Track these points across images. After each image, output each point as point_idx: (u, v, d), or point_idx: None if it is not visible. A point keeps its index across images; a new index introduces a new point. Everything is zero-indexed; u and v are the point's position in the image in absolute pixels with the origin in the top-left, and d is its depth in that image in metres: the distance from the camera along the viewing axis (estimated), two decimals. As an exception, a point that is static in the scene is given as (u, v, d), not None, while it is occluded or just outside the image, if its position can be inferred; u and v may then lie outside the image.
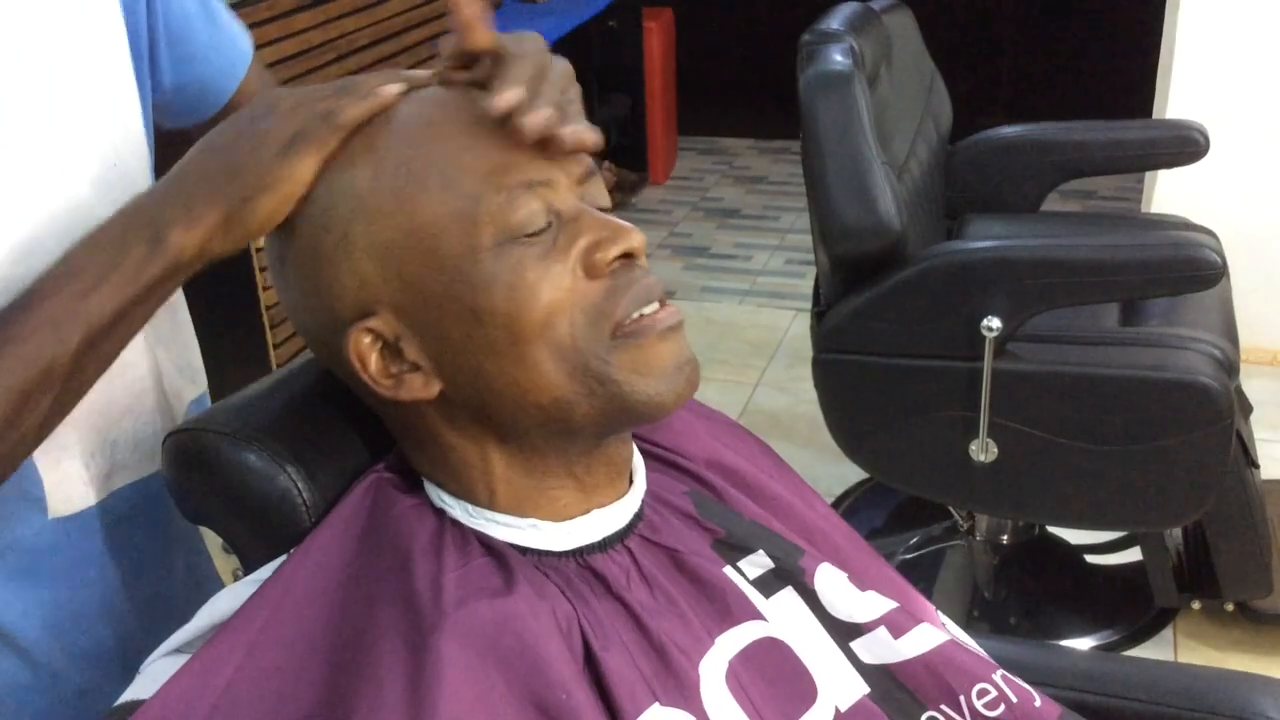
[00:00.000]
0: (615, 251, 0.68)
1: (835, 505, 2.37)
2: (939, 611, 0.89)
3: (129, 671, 0.75)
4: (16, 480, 0.76)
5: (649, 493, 0.78)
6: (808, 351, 1.95)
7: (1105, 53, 4.12)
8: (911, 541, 2.23)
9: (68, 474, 0.83)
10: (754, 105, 4.56)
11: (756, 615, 0.74)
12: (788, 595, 0.77)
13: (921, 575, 2.16)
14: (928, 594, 2.21)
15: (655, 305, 0.70)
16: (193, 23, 0.91)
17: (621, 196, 3.93)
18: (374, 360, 0.69)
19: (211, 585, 1.01)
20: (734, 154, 4.56)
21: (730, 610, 0.74)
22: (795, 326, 3.15)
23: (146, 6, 0.88)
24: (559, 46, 3.33)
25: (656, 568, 0.73)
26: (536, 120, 0.66)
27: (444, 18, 2.84)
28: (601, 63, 3.74)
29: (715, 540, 0.77)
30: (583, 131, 0.68)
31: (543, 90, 0.68)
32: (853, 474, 2.31)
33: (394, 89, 0.70)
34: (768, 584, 0.77)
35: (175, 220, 0.68)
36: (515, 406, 0.69)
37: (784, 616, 0.76)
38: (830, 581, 0.79)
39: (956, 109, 2.36)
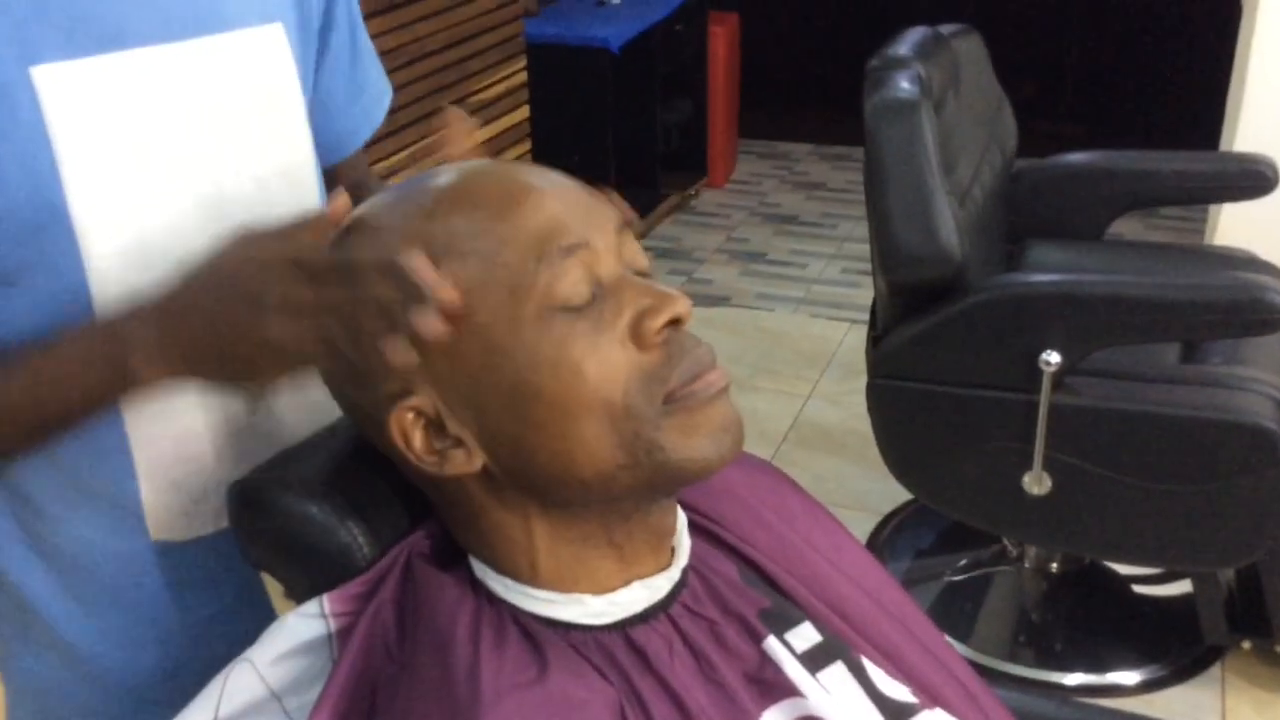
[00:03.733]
0: (662, 320, 0.68)
1: (883, 524, 2.38)
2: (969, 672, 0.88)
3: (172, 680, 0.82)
4: (118, 497, 0.83)
5: (693, 556, 0.77)
6: (861, 365, 1.96)
7: (1171, 80, 4.07)
8: (960, 564, 2.23)
9: (170, 504, 0.86)
10: (816, 111, 4.55)
11: (795, 692, 0.73)
12: (838, 670, 0.76)
13: (969, 598, 2.16)
14: (973, 618, 2.20)
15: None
16: (337, 84, 0.98)
17: (680, 199, 3.94)
18: (418, 438, 0.69)
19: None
20: (794, 159, 4.55)
21: (773, 686, 0.72)
22: (849, 339, 3.15)
23: (317, 62, 0.94)
24: (625, 49, 3.36)
25: (701, 637, 0.73)
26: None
27: (516, 22, 2.87)
28: (666, 65, 3.75)
29: (761, 610, 0.76)
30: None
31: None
32: (902, 492, 2.30)
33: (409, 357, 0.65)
34: (816, 659, 0.75)
35: (150, 364, 0.71)
36: (557, 478, 0.68)
37: (834, 693, 0.74)
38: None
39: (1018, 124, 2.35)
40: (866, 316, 2.04)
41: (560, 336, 0.66)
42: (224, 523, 0.88)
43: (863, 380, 1.92)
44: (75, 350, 0.73)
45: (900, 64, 1.83)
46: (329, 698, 0.68)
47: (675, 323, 0.69)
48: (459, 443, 0.69)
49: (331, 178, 1.03)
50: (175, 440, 0.85)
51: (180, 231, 0.82)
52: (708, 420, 0.69)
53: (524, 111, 3.03)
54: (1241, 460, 1.66)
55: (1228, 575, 1.98)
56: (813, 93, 4.55)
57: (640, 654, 0.70)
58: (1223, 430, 1.66)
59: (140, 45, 0.78)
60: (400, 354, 0.64)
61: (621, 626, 0.72)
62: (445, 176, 0.72)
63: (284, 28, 0.89)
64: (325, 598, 0.73)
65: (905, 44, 1.91)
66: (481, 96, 2.79)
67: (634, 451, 0.67)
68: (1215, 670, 1.97)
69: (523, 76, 2.99)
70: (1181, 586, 2.11)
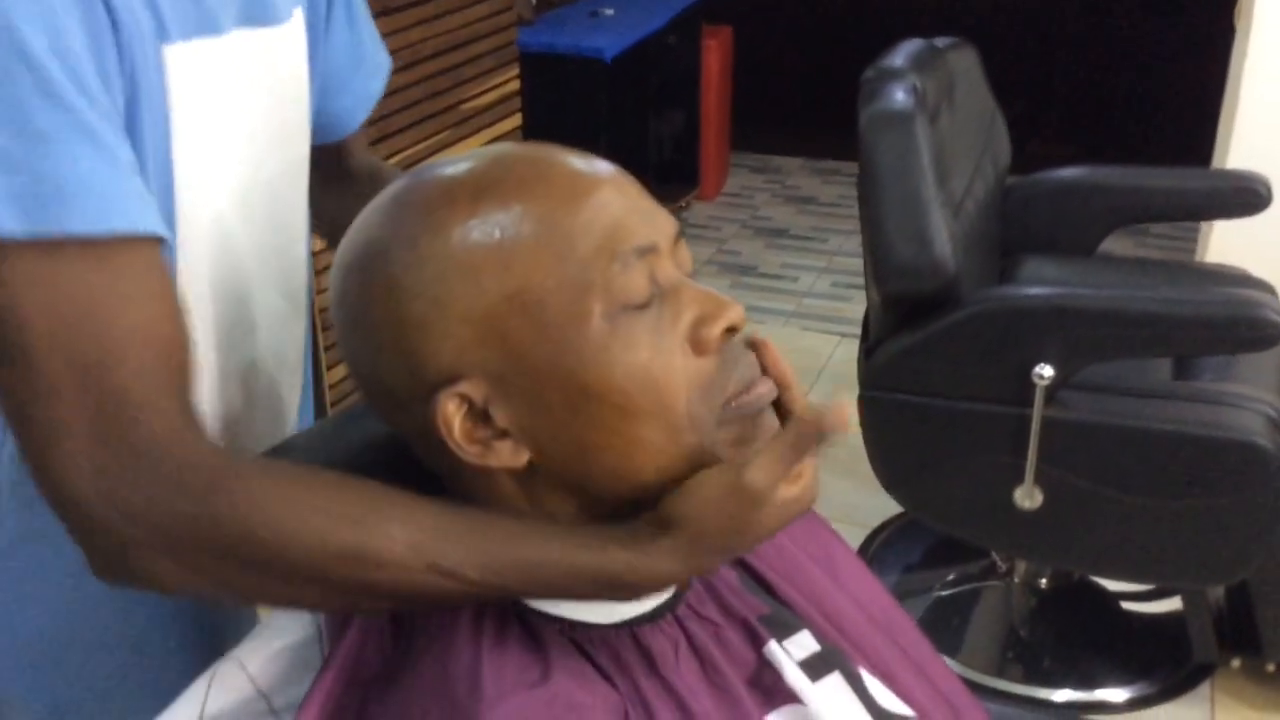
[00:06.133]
0: (721, 327, 0.67)
1: (872, 537, 2.37)
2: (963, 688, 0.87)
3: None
4: None
5: None
6: (851, 378, 1.95)
7: (1164, 98, 4.09)
8: (948, 578, 2.22)
9: None
10: (808, 124, 4.56)
11: (793, 699, 0.72)
12: (835, 680, 0.75)
13: (957, 613, 2.15)
14: (962, 633, 2.19)
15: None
16: (341, 59, 0.98)
17: (672, 211, 3.94)
18: (459, 425, 0.66)
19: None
20: (785, 173, 4.56)
21: (774, 691, 0.72)
22: (839, 352, 3.14)
23: (324, 39, 0.95)
24: (618, 60, 3.36)
25: (706, 639, 0.72)
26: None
27: (509, 30, 2.86)
28: (659, 77, 3.75)
29: (761, 616, 0.76)
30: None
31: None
32: (890, 505, 2.29)
33: None
34: (815, 667, 0.75)
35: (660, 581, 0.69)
36: (612, 479, 0.67)
37: (831, 702, 0.73)
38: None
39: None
40: (857, 330, 2.03)
41: (628, 336, 0.65)
42: None
43: (852, 394, 1.91)
44: (577, 585, 0.67)
45: (895, 75, 1.83)
46: (316, 696, 0.67)
47: (731, 330, 0.68)
48: (504, 434, 0.66)
49: (340, 160, 1.03)
50: None
51: (227, 216, 0.83)
52: (761, 431, 0.68)
53: (516, 120, 3.02)
54: (1233, 477, 1.65)
55: (1218, 593, 1.97)
56: (805, 106, 4.56)
57: (646, 655, 0.69)
58: (1215, 446, 1.66)
59: (227, 32, 0.79)
60: None
61: (629, 625, 0.70)
62: (510, 159, 0.69)
63: (301, 11, 0.89)
64: None
65: (900, 56, 1.91)
66: (474, 104, 2.78)
67: (693, 458, 0.66)
68: (1204, 688, 1.96)
69: (515, 85, 2.98)
70: (1171, 604, 2.10)
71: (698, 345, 0.67)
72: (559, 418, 0.66)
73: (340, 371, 2.31)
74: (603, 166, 0.70)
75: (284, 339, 0.95)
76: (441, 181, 0.69)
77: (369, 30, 1.02)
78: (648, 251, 0.67)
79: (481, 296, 0.65)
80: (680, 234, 0.71)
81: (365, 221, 0.71)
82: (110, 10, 0.68)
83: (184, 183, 0.76)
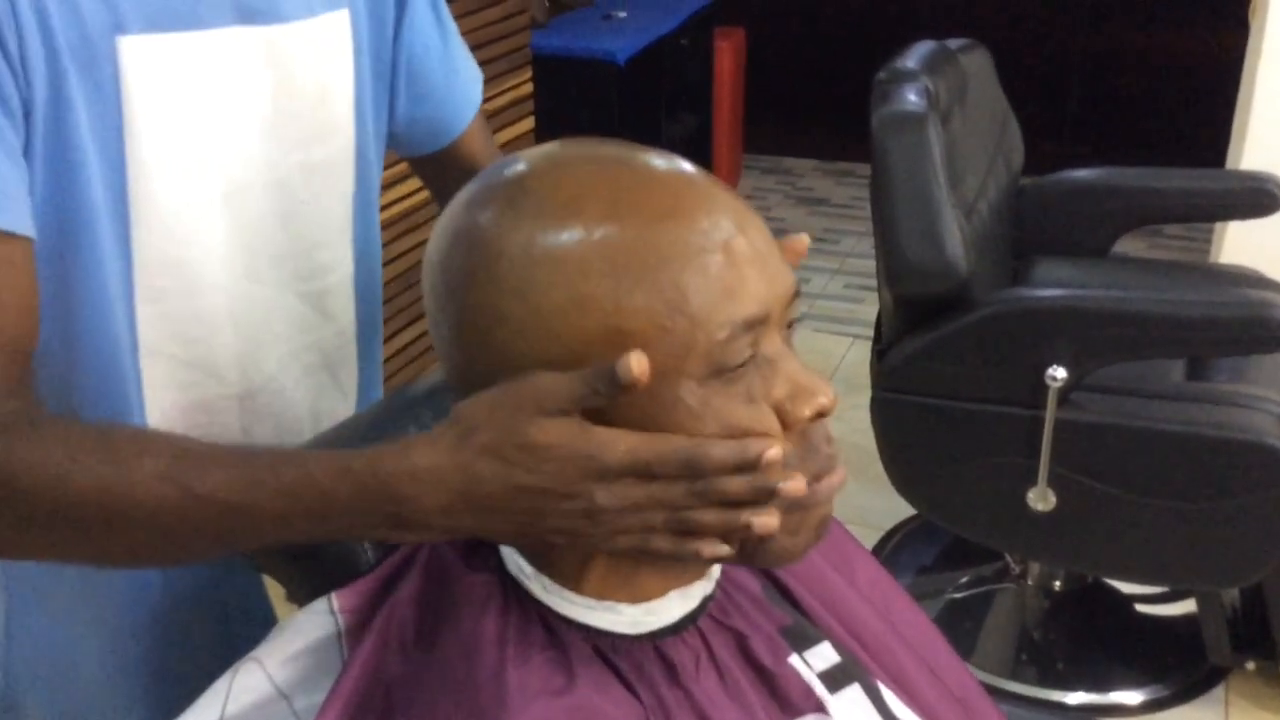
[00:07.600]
0: (811, 411, 0.65)
1: (885, 540, 2.36)
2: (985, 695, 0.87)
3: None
4: None
5: (721, 569, 0.76)
6: (863, 380, 1.95)
7: (1177, 99, 4.07)
8: (961, 581, 2.22)
9: None
10: (820, 126, 4.56)
11: (819, 708, 0.72)
12: (854, 693, 0.74)
13: (970, 616, 2.15)
14: (975, 635, 2.19)
15: None
16: (431, 64, 0.97)
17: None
18: None
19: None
20: (797, 174, 4.56)
21: (792, 701, 0.72)
22: (851, 354, 3.14)
23: (393, 43, 0.94)
24: (631, 62, 3.37)
25: (726, 652, 0.72)
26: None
27: (523, 33, 2.87)
28: (672, 80, 3.75)
29: (782, 627, 0.75)
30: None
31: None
32: (904, 508, 2.29)
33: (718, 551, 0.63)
34: (835, 679, 0.74)
35: (434, 538, 0.67)
36: None
37: (850, 714, 0.73)
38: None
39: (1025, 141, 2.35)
40: (869, 332, 2.03)
41: (724, 400, 0.63)
42: None
43: (864, 396, 1.91)
44: (339, 491, 0.64)
45: (908, 77, 1.83)
46: (338, 697, 0.67)
47: (820, 415, 0.66)
48: None
49: (466, 164, 1.03)
50: (185, 410, 0.86)
51: (222, 213, 0.83)
52: (815, 520, 0.67)
53: (529, 123, 3.03)
54: (1247, 478, 1.65)
55: (1232, 595, 1.96)
56: (817, 108, 4.56)
57: (670, 667, 0.69)
58: (1228, 448, 1.65)
59: (213, 28, 0.80)
60: (721, 551, 0.63)
61: (652, 638, 0.70)
62: (647, 185, 0.64)
63: (350, 14, 0.89)
64: (334, 595, 0.72)
65: (913, 57, 1.91)
66: (487, 107, 2.77)
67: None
68: (1219, 691, 1.96)
69: (528, 88, 2.98)
70: (1185, 606, 2.10)
71: (784, 419, 0.65)
72: None
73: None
74: (736, 210, 0.65)
75: (301, 343, 0.94)
76: (578, 200, 0.64)
77: (458, 40, 1.02)
78: (758, 324, 0.63)
79: (581, 320, 0.62)
80: (797, 293, 0.67)
81: (467, 218, 0.67)
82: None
83: (140, 175, 0.77)
